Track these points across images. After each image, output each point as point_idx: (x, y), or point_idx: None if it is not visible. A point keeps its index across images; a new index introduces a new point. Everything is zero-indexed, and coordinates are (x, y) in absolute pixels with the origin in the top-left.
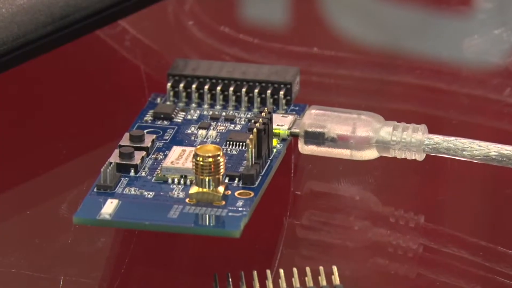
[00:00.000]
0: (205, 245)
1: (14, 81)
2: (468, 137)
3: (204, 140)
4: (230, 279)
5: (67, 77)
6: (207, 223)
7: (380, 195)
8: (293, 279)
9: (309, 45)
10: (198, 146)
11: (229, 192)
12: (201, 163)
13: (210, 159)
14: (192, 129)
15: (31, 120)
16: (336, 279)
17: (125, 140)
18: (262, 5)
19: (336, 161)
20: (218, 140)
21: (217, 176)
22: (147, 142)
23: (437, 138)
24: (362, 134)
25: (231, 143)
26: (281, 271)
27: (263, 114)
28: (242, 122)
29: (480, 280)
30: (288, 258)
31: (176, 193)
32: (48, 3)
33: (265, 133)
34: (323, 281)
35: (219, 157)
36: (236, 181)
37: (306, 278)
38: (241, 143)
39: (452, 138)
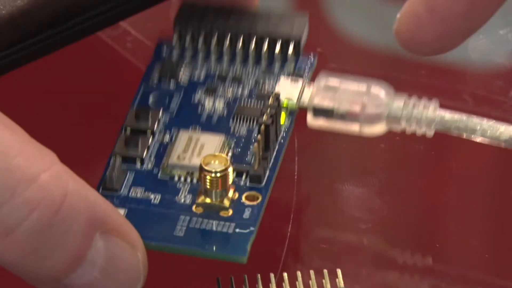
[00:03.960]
0: None
1: (17, 83)
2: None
3: (211, 114)
4: (233, 283)
5: (69, 79)
6: (214, 249)
7: (385, 198)
8: (297, 282)
9: (314, 45)
10: (205, 157)
11: (237, 194)
12: (209, 178)
13: (218, 174)
14: (199, 93)
15: (32, 121)
16: (340, 282)
17: (130, 119)
18: (267, 6)
19: (341, 163)
20: (225, 113)
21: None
22: (153, 122)
23: (448, 116)
24: (371, 111)
25: (239, 117)
26: (285, 274)
27: (270, 102)
28: (250, 83)
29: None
30: (292, 261)
31: (182, 196)
32: (50, 5)
33: (273, 123)
34: (327, 284)
35: (226, 171)
36: (243, 178)
37: (310, 282)
38: (249, 117)
39: (464, 116)
